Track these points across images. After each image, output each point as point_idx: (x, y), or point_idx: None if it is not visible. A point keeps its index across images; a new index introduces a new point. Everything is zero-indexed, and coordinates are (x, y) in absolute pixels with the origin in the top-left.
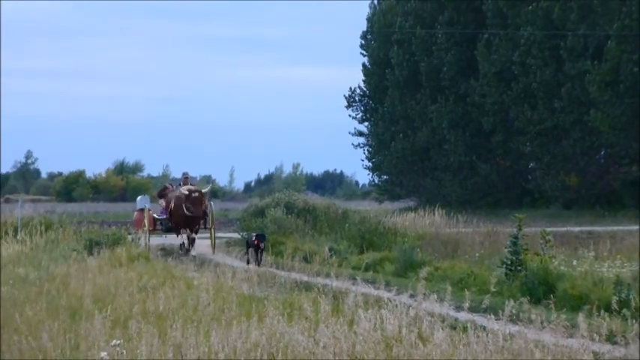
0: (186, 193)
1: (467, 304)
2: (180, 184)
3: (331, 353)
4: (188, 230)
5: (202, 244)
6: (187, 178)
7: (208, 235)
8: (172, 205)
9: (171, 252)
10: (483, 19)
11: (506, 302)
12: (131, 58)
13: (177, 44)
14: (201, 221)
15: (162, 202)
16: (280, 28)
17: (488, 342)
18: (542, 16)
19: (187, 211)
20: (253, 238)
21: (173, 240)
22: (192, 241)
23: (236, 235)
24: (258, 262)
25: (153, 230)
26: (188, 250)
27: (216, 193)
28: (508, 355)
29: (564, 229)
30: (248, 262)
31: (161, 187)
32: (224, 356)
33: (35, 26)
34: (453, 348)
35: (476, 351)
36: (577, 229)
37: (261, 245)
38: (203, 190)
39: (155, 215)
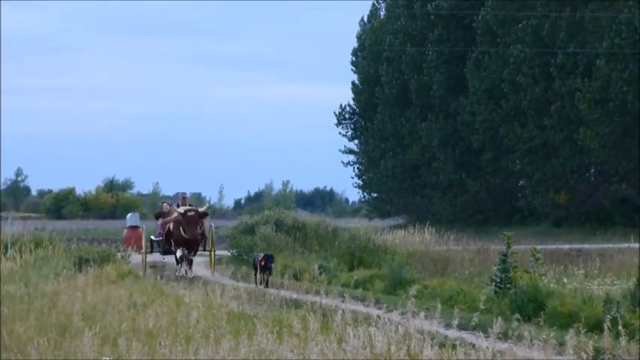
0: (182, 212)
1: (456, 322)
2: (177, 205)
3: None
4: (185, 251)
5: (199, 264)
6: (185, 198)
7: (208, 255)
8: (170, 226)
9: (163, 269)
10: (473, 37)
11: (495, 320)
12: (121, 76)
13: (168, 62)
14: (201, 243)
15: (160, 222)
16: (270, 46)
17: None
18: (532, 33)
19: (184, 233)
20: (260, 258)
21: (164, 257)
22: (189, 263)
23: (226, 253)
24: (266, 284)
25: (150, 252)
26: (185, 274)
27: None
28: None
29: (554, 246)
30: (256, 284)
31: (159, 209)
32: None
33: (25, 44)
34: None
35: None
36: (567, 246)
37: (269, 265)
38: (200, 210)
39: (152, 237)
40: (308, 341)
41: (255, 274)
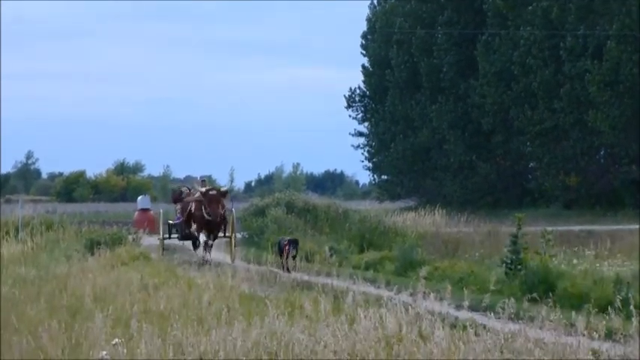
0: (203, 191)
1: (467, 303)
2: (195, 187)
3: (332, 352)
4: (204, 235)
5: (216, 250)
6: (204, 181)
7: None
8: (192, 207)
9: (174, 251)
10: (483, 20)
11: (506, 301)
12: (132, 60)
13: (178, 46)
14: (222, 226)
15: (178, 206)
16: (280, 29)
17: (489, 340)
18: (542, 16)
19: (206, 214)
20: (285, 243)
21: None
22: (209, 248)
23: (237, 235)
24: (289, 269)
25: (168, 237)
26: (206, 260)
27: None
28: (508, 353)
29: (564, 228)
30: (282, 269)
31: (176, 191)
32: (224, 355)
33: (35, 28)
34: (454, 346)
35: (476, 350)
36: (577, 228)
37: (293, 251)
38: (222, 189)
39: (170, 221)
40: (319, 322)
41: (282, 260)
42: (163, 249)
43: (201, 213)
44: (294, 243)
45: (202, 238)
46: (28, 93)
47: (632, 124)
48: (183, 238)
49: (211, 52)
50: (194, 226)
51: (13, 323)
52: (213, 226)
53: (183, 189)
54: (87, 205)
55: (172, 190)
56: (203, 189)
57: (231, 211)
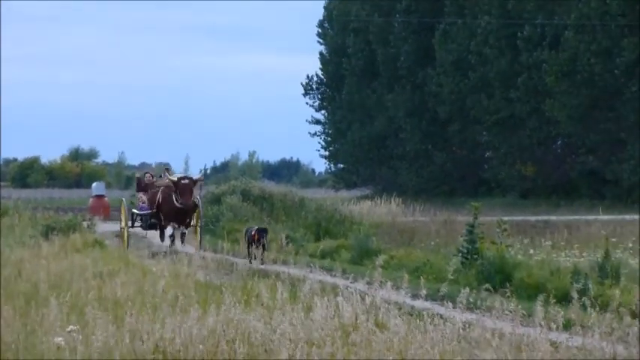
0: (175, 180)
1: (423, 292)
2: (161, 176)
3: (288, 340)
4: (171, 228)
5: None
6: (168, 170)
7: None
8: (160, 196)
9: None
10: (441, 8)
11: (462, 290)
12: (88, 45)
13: (134, 31)
14: (193, 214)
15: (142, 195)
16: (236, 15)
17: (446, 330)
18: (499, 5)
19: (177, 202)
20: (252, 232)
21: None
22: (182, 237)
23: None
24: (261, 260)
25: (131, 226)
26: (174, 251)
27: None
28: (465, 342)
29: (521, 218)
30: (250, 261)
31: (141, 179)
32: (181, 342)
33: None
34: (411, 335)
35: (433, 338)
36: (533, 218)
37: (263, 240)
38: (195, 178)
39: (135, 210)
40: (276, 311)
41: (248, 250)
42: (128, 239)
43: (171, 201)
44: (263, 232)
45: (169, 231)
46: None
47: (589, 114)
48: (149, 227)
49: (168, 38)
50: (162, 216)
51: None
52: (184, 215)
53: (147, 176)
54: (41, 191)
55: (137, 178)
56: (175, 177)
57: (197, 198)
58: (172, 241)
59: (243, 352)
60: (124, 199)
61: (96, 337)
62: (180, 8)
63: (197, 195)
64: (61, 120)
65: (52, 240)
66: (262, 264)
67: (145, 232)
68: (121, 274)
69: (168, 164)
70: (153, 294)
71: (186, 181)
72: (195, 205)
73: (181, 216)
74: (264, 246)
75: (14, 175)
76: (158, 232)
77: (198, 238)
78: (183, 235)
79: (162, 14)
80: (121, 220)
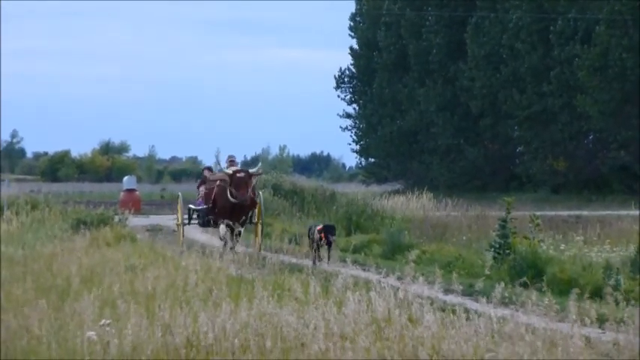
0: (230, 173)
1: (457, 287)
2: (220, 169)
3: (321, 334)
4: (224, 228)
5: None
6: (233, 161)
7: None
8: (215, 191)
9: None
10: (473, 2)
11: (497, 285)
12: (119, 40)
13: (166, 26)
14: (251, 211)
15: (202, 189)
16: (269, 9)
17: (479, 325)
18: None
19: (232, 196)
20: (318, 228)
21: (161, 221)
22: (237, 236)
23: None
24: (328, 259)
25: (188, 223)
26: (232, 248)
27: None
28: (499, 338)
29: (552, 213)
30: (314, 262)
31: (202, 174)
32: (213, 336)
33: (23, 7)
34: (444, 330)
35: (467, 333)
36: (565, 213)
37: (331, 239)
38: (251, 171)
39: (192, 206)
40: (308, 305)
41: (313, 250)
42: (183, 237)
43: (226, 197)
44: (330, 229)
45: (222, 230)
46: (13, 71)
47: (620, 109)
48: (204, 224)
49: (200, 33)
50: (217, 213)
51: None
52: (239, 212)
53: (205, 171)
54: (72, 185)
55: (202, 171)
56: (230, 170)
57: (259, 194)
58: (225, 242)
59: (276, 347)
60: (180, 193)
61: (128, 331)
62: (214, 3)
63: (258, 190)
64: (91, 114)
65: (83, 234)
66: (328, 264)
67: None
68: (153, 267)
69: (232, 156)
70: (185, 288)
71: (242, 174)
72: (255, 202)
73: (237, 212)
74: (330, 245)
75: (44, 169)
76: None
77: (259, 238)
78: (238, 234)
79: (194, 9)
80: (176, 217)
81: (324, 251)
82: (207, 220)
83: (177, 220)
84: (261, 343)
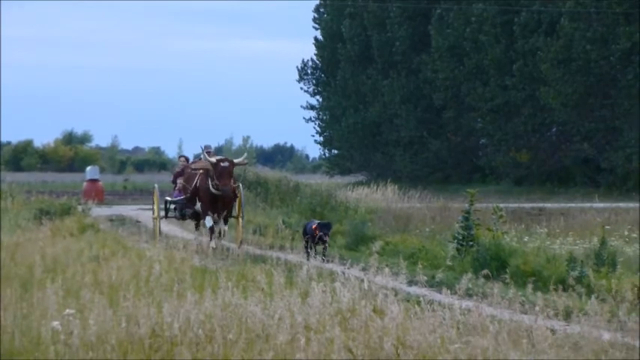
0: (213, 162)
1: (421, 278)
2: (200, 158)
3: (287, 325)
4: (210, 220)
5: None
6: (210, 152)
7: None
8: (197, 181)
9: (123, 223)
10: None
11: (461, 277)
12: (83, 28)
13: (129, 15)
14: (233, 204)
15: (180, 181)
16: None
17: (444, 316)
18: None
19: (214, 188)
20: (313, 226)
21: (124, 211)
22: (221, 233)
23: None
24: (323, 258)
25: (165, 217)
26: (213, 248)
27: (165, 165)
28: (463, 328)
29: (516, 205)
30: (308, 258)
31: (178, 169)
32: (178, 327)
33: None
34: (409, 321)
35: (432, 324)
36: (529, 205)
37: (324, 237)
38: (236, 161)
39: (168, 198)
40: (273, 296)
41: (307, 247)
42: (160, 232)
43: (207, 187)
44: (325, 227)
45: (209, 222)
46: None
47: (584, 101)
48: (183, 217)
49: (162, 22)
50: (199, 205)
51: None
52: (223, 204)
53: (181, 160)
54: (34, 175)
55: (176, 171)
56: (214, 159)
57: (238, 185)
58: (212, 236)
59: (241, 337)
60: (156, 185)
61: (92, 321)
62: None
63: (239, 182)
64: (54, 103)
65: (47, 224)
66: (324, 261)
67: (138, 217)
68: (117, 258)
69: (209, 145)
70: (149, 278)
71: (226, 163)
72: (236, 194)
73: (220, 205)
74: (326, 243)
75: (7, 159)
76: (194, 222)
77: (240, 231)
78: (222, 233)
79: None
80: (153, 210)
81: (319, 248)
82: (185, 213)
83: (154, 213)
84: (226, 334)
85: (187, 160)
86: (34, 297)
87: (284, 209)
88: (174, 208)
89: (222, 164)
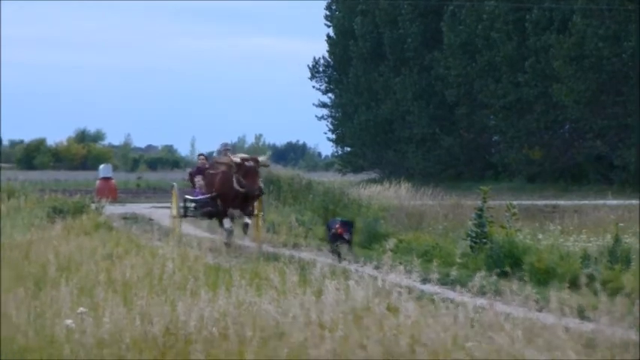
0: (238, 161)
1: (435, 276)
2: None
3: (301, 323)
4: (238, 211)
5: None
6: (228, 150)
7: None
8: (219, 178)
9: (136, 221)
10: None
11: (475, 274)
12: (94, 27)
13: (142, 14)
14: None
15: (199, 179)
16: None
17: (458, 314)
18: None
19: (239, 185)
20: (337, 226)
21: (137, 209)
22: (245, 227)
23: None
24: (338, 256)
25: (184, 216)
26: (227, 244)
27: (178, 163)
28: (478, 327)
29: (529, 202)
30: (340, 261)
31: (194, 168)
32: (192, 325)
33: None
34: (423, 319)
35: (446, 322)
36: (542, 202)
37: (347, 236)
38: (260, 159)
39: (188, 196)
40: (286, 294)
41: (332, 247)
42: (179, 230)
43: (231, 186)
44: (347, 225)
45: (227, 224)
46: None
47: (596, 98)
48: (204, 215)
49: (175, 18)
50: (220, 203)
51: None
52: (246, 202)
53: (200, 158)
54: (47, 173)
55: (189, 173)
56: (238, 158)
57: (260, 183)
58: (229, 235)
59: (255, 335)
60: (175, 184)
61: (106, 319)
62: None
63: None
64: (67, 102)
65: (60, 222)
66: (339, 261)
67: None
68: (130, 256)
69: (227, 144)
70: (162, 276)
71: (251, 163)
72: (261, 191)
73: (244, 202)
74: (350, 242)
75: (20, 157)
76: (217, 220)
77: (260, 231)
78: (246, 225)
79: None
80: (171, 208)
81: (343, 248)
82: (208, 212)
83: (173, 212)
84: (240, 332)
85: (206, 158)
86: (48, 295)
87: (297, 207)
88: (195, 207)
89: (247, 164)
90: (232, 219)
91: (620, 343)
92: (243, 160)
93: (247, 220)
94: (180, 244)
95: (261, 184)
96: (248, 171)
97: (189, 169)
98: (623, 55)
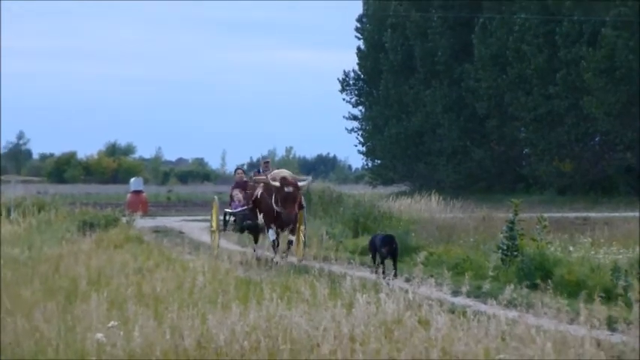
0: (277, 185)
1: (465, 289)
2: (258, 171)
3: (332, 336)
4: (273, 232)
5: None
6: (268, 162)
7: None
8: (258, 193)
9: (167, 235)
10: (479, 4)
11: (505, 287)
12: (125, 40)
13: (173, 25)
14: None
15: (238, 192)
16: (276, 11)
17: (489, 327)
18: (537, 1)
19: (277, 207)
20: (379, 240)
21: (168, 222)
22: (289, 244)
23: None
24: (383, 273)
25: (224, 229)
26: (275, 262)
27: (208, 176)
28: (509, 339)
29: (559, 214)
30: (384, 277)
31: (233, 183)
32: (223, 338)
33: (28, 6)
34: (454, 332)
35: (477, 335)
36: (572, 215)
37: (392, 250)
38: (300, 184)
39: (228, 210)
40: (317, 307)
41: (375, 262)
42: (218, 245)
43: (269, 203)
44: (389, 240)
45: (272, 236)
46: (19, 71)
47: (627, 110)
48: (243, 229)
49: (206, 33)
50: (261, 217)
51: (6, 305)
52: (284, 222)
53: (238, 173)
54: (77, 187)
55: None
56: (278, 184)
57: (301, 201)
58: (275, 249)
59: (286, 348)
60: (215, 197)
61: (137, 333)
62: (221, 3)
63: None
64: (98, 115)
65: (91, 235)
66: (396, 277)
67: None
68: (161, 269)
69: (266, 156)
70: (193, 290)
71: (291, 188)
72: (301, 206)
73: (281, 221)
74: (394, 257)
75: (51, 171)
76: (252, 235)
77: (300, 246)
78: (290, 242)
79: (199, 10)
80: (211, 222)
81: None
82: (247, 225)
83: (212, 226)
84: (271, 345)
85: (244, 172)
86: (79, 309)
87: (327, 220)
88: (234, 220)
89: (286, 189)
90: (277, 233)
91: None
92: (283, 184)
93: (291, 237)
94: (214, 257)
95: (302, 198)
96: (287, 197)
97: (234, 182)
98: None
